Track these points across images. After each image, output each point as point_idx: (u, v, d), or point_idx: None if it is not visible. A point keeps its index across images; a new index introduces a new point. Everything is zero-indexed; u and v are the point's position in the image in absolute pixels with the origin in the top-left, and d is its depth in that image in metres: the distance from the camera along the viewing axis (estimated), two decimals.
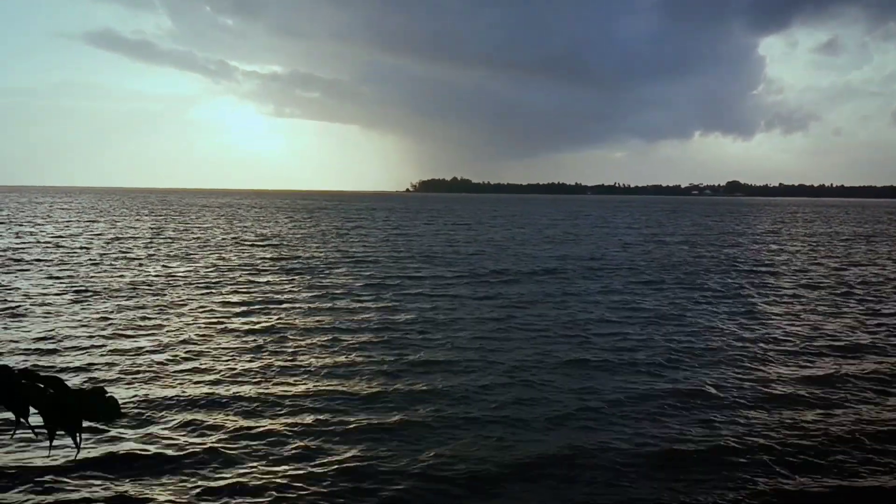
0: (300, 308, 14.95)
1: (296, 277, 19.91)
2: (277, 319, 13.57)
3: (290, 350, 11.08)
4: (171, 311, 14.42)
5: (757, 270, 23.69)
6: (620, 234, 44.34)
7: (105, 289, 17.17)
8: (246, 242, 32.84)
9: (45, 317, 13.29)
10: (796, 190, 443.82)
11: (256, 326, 12.97)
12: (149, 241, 33.17)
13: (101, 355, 10.46)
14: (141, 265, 22.67)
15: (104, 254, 26.30)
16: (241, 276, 20.04)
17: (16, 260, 23.59)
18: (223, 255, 26.36)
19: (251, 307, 14.98)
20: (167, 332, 12.26)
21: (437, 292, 17.50)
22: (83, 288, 17.30)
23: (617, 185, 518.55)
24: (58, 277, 19.14)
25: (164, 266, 22.47)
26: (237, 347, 11.28)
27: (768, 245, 36.08)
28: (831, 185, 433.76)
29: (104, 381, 9.17)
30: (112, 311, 14.07)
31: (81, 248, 28.74)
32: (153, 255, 26.31)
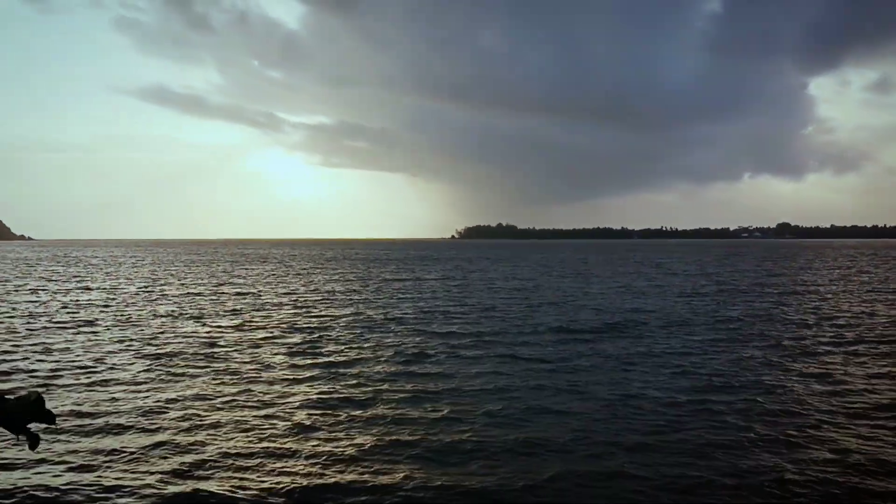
0: (379, 370, 14.64)
1: (367, 335, 19.65)
2: (352, 379, 13.32)
3: (376, 414, 10.76)
4: (249, 374, 14.25)
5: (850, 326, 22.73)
6: (684, 281, 43.29)
7: (177, 350, 17.18)
8: (306, 297, 32.82)
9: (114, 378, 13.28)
10: (849, 231, 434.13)
11: (332, 392, 12.69)
12: (212, 296, 33.41)
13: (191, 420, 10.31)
14: (204, 322, 22.72)
15: (174, 311, 26.45)
16: (313, 336, 19.85)
17: (88, 321, 23.81)
18: (286, 311, 26.31)
19: (329, 369, 14.74)
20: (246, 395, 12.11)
21: (498, 351, 17.05)
22: (157, 352, 17.28)
23: (664, 228, 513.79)
24: (131, 340, 19.19)
25: (230, 323, 22.46)
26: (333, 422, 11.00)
27: (845, 294, 34.84)
28: (885, 225, 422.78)
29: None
30: (191, 376, 13.97)
31: (147, 303, 29.09)
32: (218, 311, 26.38)
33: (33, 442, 5.96)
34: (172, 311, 26.36)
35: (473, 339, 18.85)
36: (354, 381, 13.62)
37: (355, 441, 9.73)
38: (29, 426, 6.08)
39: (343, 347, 17.63)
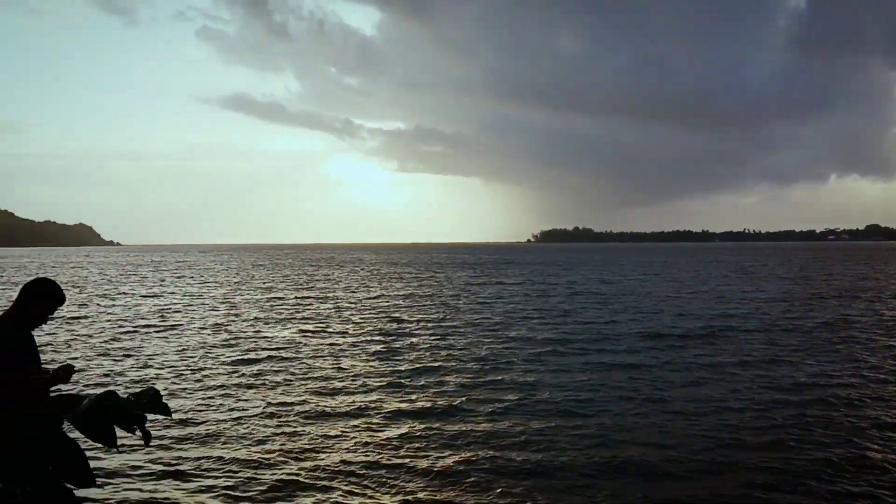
0: (462, 378, 14.46)
1: (447, 341, 19.53)
2: (435, 387, 13.12)
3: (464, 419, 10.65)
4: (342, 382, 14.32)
5: None
6: (772, 285, 41.72)
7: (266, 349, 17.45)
8: (386, 302, 33.01)
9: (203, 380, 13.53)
10: None
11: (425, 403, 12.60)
12: (294, 301, 33.96)
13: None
14: (288, 326, 23.03)
15: (259, 316, 26.96)
16: (394, 341, 19.86)
17: (174, 326, 24.48)
18: (367, 316, 26.48)
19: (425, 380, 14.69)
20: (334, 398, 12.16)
21: (581, 359, 16.66)
22: (252, 357, 17.58)
23: (746, 230, 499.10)
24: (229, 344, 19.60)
25: (313, 327, 22.71)
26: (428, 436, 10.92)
27: None
28: None
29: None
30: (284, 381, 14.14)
31: (232, 307, 29.76)
32: (301, 316, 26.77)
33: (147, 437, 6.04)
34: (257, 315, 26.87)
35: (555, 346, 18.49)
36: (438, 390, 13.48)
37: (445, 453, 9.59)
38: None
39: (425, 353, 17.55)
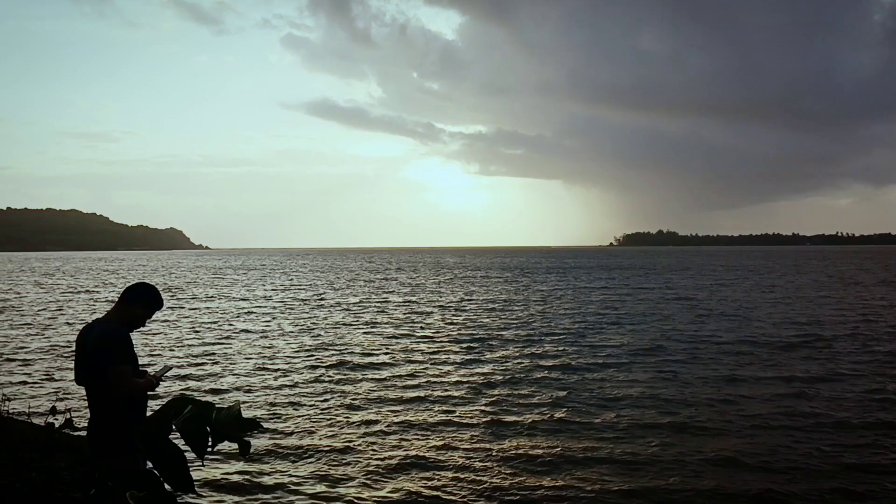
0: (547, 383, 14.01)
1: (530, 346, 19.10)
2: (522, 388, 12.74)
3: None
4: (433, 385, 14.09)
5: None
6: (866, 291, 39.56)
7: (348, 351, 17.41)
8: (468, 305, 32.76)
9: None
10: None
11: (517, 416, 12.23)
12: (378, 304, 34.11)
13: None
14: (373, 330, 23.02)
15: (343, 319, 27.12)
16: (477, 345, 19.56)
17: (262, 329, 24.76)
18: (450, 319, 26.26)
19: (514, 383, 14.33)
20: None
21: (666, 367, 15.93)
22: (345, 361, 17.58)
23: (839, 234, 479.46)
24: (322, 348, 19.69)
25: (397, 332, 22.64)
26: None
27: None
28: None
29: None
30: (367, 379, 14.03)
31: (317, 310, 30.06)
32: (385, 319, 26.78)
33: (245, 448, 5.93)
34: (342, 318, 27.03)
35: (640, 352, 17.87)
36: (526, 391, 13.24)
37: (539, 450, 9.40)
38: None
39: (513, 361, 17.19)
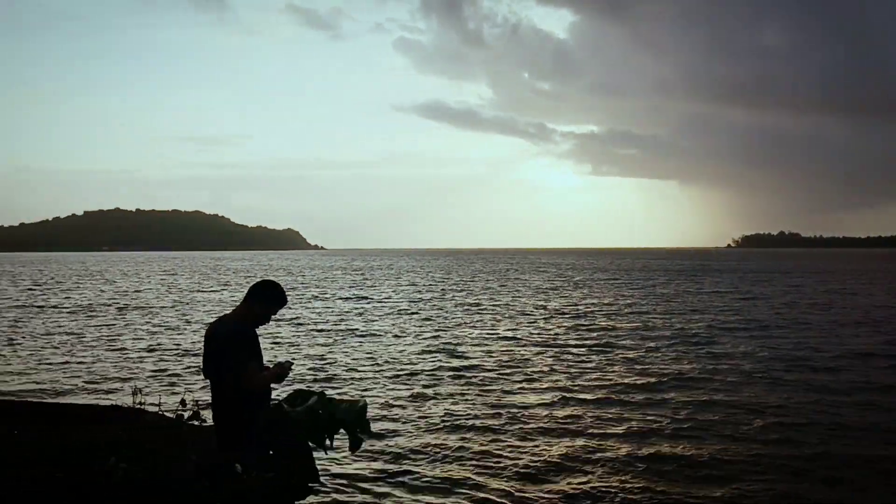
0: (677, 390, 13.46)
1: (654, 353, 18.46)
2: (653, 394, 12.25)
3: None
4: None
5: None
6: None
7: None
8: (586, 309, 32.19)
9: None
10: None
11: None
12: (494, 307, 34.04)
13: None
14: (494, 332, 22.91)
15: (468, 321, 27.17)
16: (601, 349, 19.12)
17: (383, 330, 25.08)
18: (569, 323, 25.85)
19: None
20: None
21: (795, 376, 14.93)
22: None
23: None
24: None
25: (514, 334, 22.45)
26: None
27: None
28: None
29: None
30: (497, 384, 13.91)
31: (435, 312, 30.27)
32: (504, 322, 26.66)
33: (356, 444, 5.96)
34: (463, 319, 27.09)
35: (779, 360, 16.84)
36: (661, 396, 12.72)
37: (687, 456, 9.09)
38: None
39: (634, 361, 16.62)
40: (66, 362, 17.27)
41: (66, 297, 40.39)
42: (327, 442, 5.82)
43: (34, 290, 47.98)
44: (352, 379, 14.90)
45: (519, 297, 39.34)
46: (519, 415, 11.66)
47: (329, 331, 23.54)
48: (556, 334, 22.24)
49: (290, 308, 30.93)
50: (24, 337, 22.29)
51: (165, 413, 9.79)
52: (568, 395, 13.18)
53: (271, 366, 5.81)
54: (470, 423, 11.15)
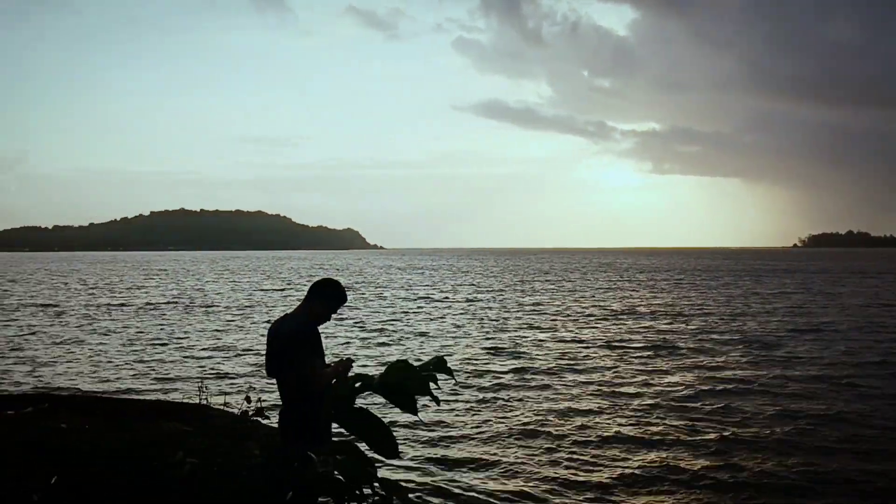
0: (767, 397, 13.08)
1: (725, 355, 18.00)
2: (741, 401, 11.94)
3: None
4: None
5: None
6: None
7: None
8: (654, 310, 31.64)
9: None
10: None
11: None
12: (560, 307, 33.76)
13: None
14: (561, 334, 22.70)
15: (530, 322, 27.00)
16: (673, 352, 18.74)
17: (452, 327, 25.07)
18: (638, 324, 25.44)
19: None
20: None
21: (870, 384, 14.30)
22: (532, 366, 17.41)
23: None
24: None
25: (583, 336, 22.20)
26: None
27: None
28: None
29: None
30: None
31: (502, 311, 30.18)
32: (573, 323, 26.40)
33: (436, 400, 5.97)
34: (525, 321, 26.91)
35: (842, 366, 16.14)
36: (738, 403, 12.35)
37: (773, 468, 8.79)
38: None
39: (704, 367, 16.29)
40: (134, 360, 17.74)
41: (133, 296, 41.59)
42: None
43: (102, 289, 49.56)
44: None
45: (580, 297, 38.91)
46: (586, 423, 11.34)
47: (389, 331, 23.65)
48: (620, 337, 21.84)
49: (350, 307, 31.22)
50: (92, 335, 23.00)
51: (230, 409, 9.93)
52: (635, 401, 12.84)
53: (333, 363, 5.83)
54: (533, 429, 10.93)
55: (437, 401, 5.92)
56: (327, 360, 6.04)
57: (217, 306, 34.22)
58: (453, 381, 6.26)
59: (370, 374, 6.50)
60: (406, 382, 5.76)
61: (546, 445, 10.02)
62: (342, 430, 4.40)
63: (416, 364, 5.94)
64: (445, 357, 5.50)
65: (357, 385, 5.95)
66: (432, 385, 6.04)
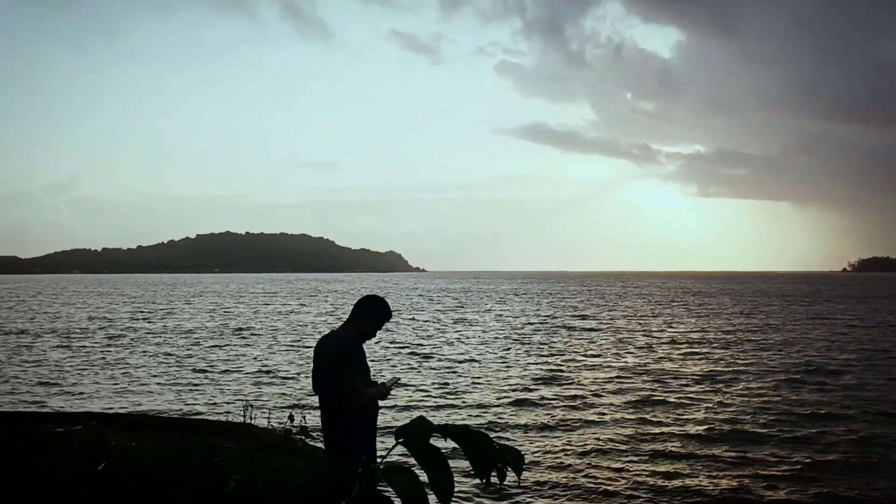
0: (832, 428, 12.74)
1: (784, 387, 17.51)
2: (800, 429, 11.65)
3: None
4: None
5: None
6: None
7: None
8: (702, 337, 31.09)
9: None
10: None
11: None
12: (609, 332, 33.41)
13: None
14: (608, 360, 22.42)
15: (577, 347, 26.76)
16: (724, 382, 18.36)
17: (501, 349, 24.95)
18: (687, 352, 25.01)
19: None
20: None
21: None
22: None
23: None
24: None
25: (628, 363, 21.89)
26: None
27: None
28: None
29: None
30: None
31: (546, 336, 29.96)
32: (620, 349, 26.09)
33: (502, 476, 5.84)
34: (575, 345, 26.65)
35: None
36: (801, 435, 12.01)
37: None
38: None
39: (755, 394, 15.95)
40: (179, 381, 17.96)
41: (180, 320, 42.23)
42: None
43: (152, 311, 50.43)
44: (461, 405, 14.70)
45: (626, 323, 38.36)
46: (645, 453, 11.03)
47: (436, 356, 23.44)
48: (671, 364, 21.25)
49: (395, 331, 31.24)
50: (140, 356, 23.36)
51: (275, 428, 9.97)
52: (690, 431, 12.46)
53: (378, 381, 5.81)
54: (588, 460, 10.74)
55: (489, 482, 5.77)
56: (374, 380, 6.02)
57: (261, 328, 34.57)
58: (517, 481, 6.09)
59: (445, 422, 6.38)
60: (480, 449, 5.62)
61: (605, 478, 9.80)
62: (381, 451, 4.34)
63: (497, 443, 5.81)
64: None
65: (432, 426, 5.88)
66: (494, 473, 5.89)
